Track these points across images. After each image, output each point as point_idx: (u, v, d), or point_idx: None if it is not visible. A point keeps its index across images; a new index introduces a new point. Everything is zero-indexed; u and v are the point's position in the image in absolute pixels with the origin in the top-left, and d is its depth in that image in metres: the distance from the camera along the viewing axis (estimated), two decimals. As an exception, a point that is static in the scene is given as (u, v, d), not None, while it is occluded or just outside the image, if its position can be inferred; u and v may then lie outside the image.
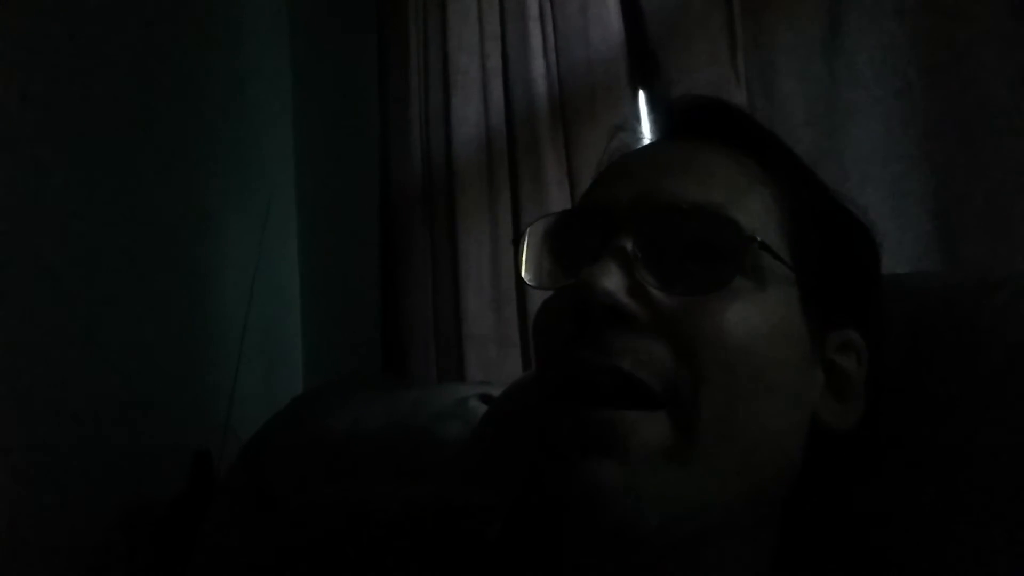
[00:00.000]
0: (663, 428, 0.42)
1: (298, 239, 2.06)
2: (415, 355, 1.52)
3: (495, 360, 1.37)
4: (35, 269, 1.56)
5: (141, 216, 1.73)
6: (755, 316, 0.44)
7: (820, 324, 0.47)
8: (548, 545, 0.47)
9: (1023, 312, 0.51)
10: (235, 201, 1.92)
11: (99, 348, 1.61)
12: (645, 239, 0.44)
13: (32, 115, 1.59)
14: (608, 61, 1.17)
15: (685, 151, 0.50)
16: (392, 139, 1.62)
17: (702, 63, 1.02)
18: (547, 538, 0.48)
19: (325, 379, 1.62)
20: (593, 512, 0.41)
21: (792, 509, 0.47)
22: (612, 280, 0.42)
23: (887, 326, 0.53)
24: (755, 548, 0.46)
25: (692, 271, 0.44)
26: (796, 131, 0.90)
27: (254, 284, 1.80)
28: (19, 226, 1.55)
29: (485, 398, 1.03)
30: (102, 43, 1.71)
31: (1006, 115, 0.76)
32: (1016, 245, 0.75)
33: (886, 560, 0.49)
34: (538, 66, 1.29)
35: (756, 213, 0.46)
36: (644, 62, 1.09)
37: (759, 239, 0.44)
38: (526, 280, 0.50)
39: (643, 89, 1.12)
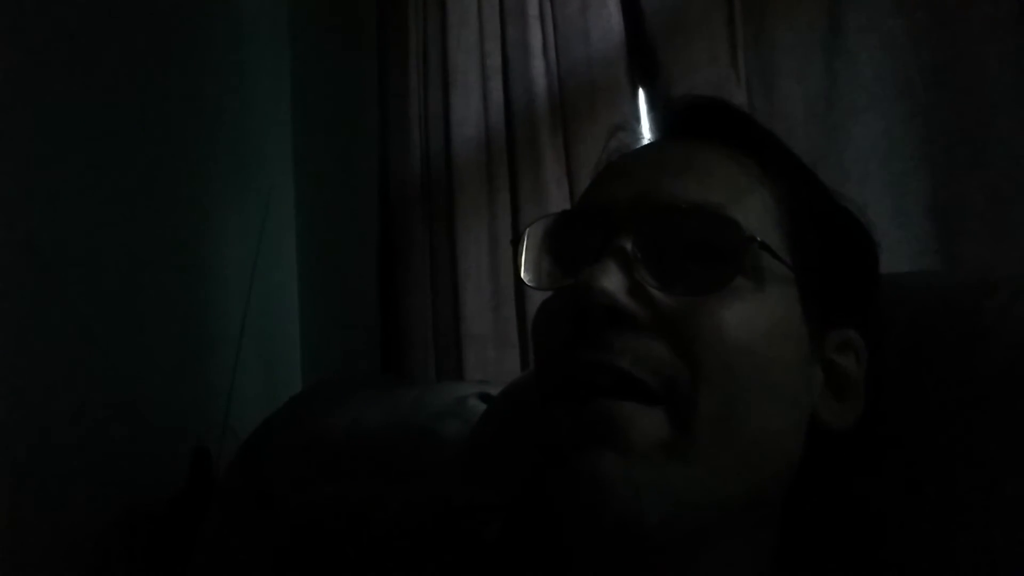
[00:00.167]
0: (661, 423, 0.42)
1: (297, 239, 2.06)
2: (414, 355, 1.52)
3: (494, 360, 1.37)
4: (35, 269, 1.56)
5: (141, 216, 1.73)
6: (755, 316, 0.44)
7: (819, 324, 0.47)
8: (548, 545, 0.47)
9: (1022, 312, 0.51)
10: (235, 201, 1.92)
11: (99, 348, 1.61)
12: (645, 239, 0.44)
13: (32, 114, 1.58)
14: (608, 61, 1.17)
15: (684, 151, 0.50)
16: (391, 138, 1.62)
17: (702, 63, 1.02)
18: (547, 538, 0.48)
19: (324, 378, 1.62)
20: (594, 505, 0.41)
21: (792, 508, 0.47)
22: (612, 280, 0.42)
23: (886, 326, 0.53)
24: (755, 547, 0.46)
25: (692, 271, 0.44)
26: (796, 131, 0.90)
27: (253, 284, 1.81)
28: (19, 226, 1.55)
29: (484, 397, 1.03)
30: (102, 43, 1.71)
31: (1006, 115, 0.76)
32: (1016, 245, 0.75)
33: (886, 560, 0.49)
34: (538, 66, 1.29)
35: (756, 213, 0.46)
36: (644, 62, 1.09)
37: (759, 239, 0.44)
38: (525, 280, 0.50)
39: (643, 89, 1.12)
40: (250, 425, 1.29)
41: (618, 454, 0.41)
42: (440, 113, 1.48)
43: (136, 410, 1.63)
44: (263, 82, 2.04)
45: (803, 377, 0.46)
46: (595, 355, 0.42)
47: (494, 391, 0.97)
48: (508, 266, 1.35)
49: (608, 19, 1.18)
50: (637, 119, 1.07)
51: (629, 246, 0.44)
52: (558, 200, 1.24)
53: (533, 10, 1.30)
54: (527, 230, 0.50)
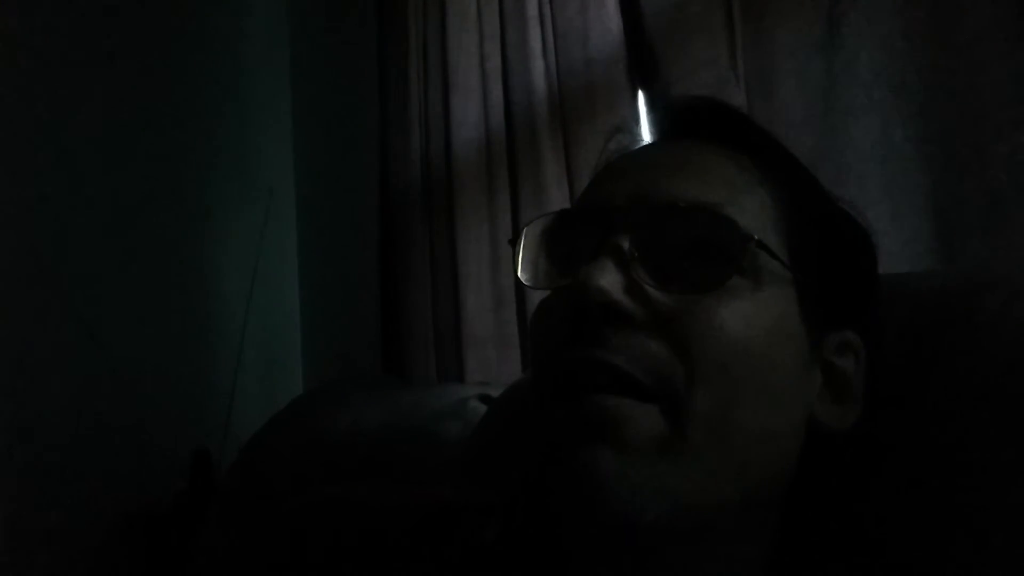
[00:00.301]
0: (656, 420, 0.42)
1: (298, 239, 2.06)
2: (414, 355, 1.52)
3: (494, 360, 1.37)
4: (35, 269, 1.56)
5: (141, 216, 1.73)
6: (752, 315, 0.43)
7: (818, 325, 0.47)
8: (547, 545, 0.47)
9: (1021, 312, 0.51)
10: (235, 201, 1.92)
11: (99, 348, 1.61)
12: (642, 238, 0.44)
13: (32, 115, 1.59)
14: (607, 62, 1.17)
15: (683, 151, 0.50)
16: (391, 140, 1.62)
17: (701, 63, 1.02)
18: (546, 538, 0.48)
19: (324, 379, 1.63)
20: (591, 501, 0.41)
21: (790, 509, 0.47)
22: (609, 279, 0.42)
23: (885, 327, 0.53)
24: (753, 548, 0.46)
25: (689, 270, 0.44)
26: (795, 131, 0.90)
27: (254, 284, 1.81)
28: (19, 226, 1.55)
29: (484, 398, 1.03)
30: (102, 43, 1.71)
31: (1006, 115, 0.76)
32: (1015, 245, 0.75)
33: (885, 560, 0.49)
34: (537, 67, 1.30)
35: (754, 213, 0.46)
36: (643, 63, 1.09)
37: (756, 238, 0.44)
38: (523, 280, 0.50)
39: (642, 90, 1.12)
40: (251, 426, 1.29)
41: (615, 451, 0.41)
42: (440, 115, 1.48)
43: (137, 411, 1.63)
44: (263, 83, 2.05)
45: (801, 378, 0.46)
46: (591, 353, 0.42)
47: (495, 392, 0.97)
48: (509, 267, 1.35)
49: (607, 21, 1.18)
50: (636, 120, 1.07)
51: (626, 245, 0.44)
52: (558, 201, 1.24)
53: (532, 12, 1.30)
54: (524, 229, 0.50)
